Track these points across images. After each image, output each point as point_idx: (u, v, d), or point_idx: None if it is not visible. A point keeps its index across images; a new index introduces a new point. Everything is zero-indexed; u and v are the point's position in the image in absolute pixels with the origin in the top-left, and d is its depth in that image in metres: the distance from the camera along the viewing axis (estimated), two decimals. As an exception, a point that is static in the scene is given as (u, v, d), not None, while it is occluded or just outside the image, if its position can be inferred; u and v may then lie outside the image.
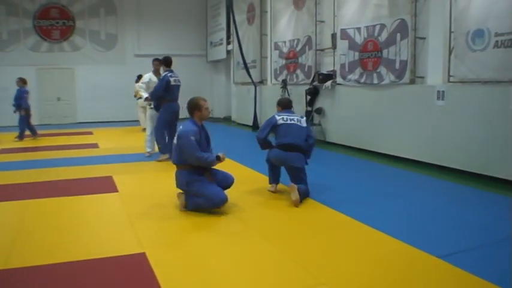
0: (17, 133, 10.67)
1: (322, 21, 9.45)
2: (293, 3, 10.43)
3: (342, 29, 8.54)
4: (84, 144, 9.84)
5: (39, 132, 11.19)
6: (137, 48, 16.07)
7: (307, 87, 9.69)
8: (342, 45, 8.55)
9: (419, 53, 6.90)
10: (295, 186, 4.65)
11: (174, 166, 4.64)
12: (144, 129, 9.10)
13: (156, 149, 7.70)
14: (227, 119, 15.34)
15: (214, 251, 3.52)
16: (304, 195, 4.75)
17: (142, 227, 4.04)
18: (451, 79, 6.33)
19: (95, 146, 9.65)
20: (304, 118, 5.23)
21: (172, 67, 7.54)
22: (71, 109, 15.74)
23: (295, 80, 10.46)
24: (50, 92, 15.42)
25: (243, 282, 2.92)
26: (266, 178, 5.37)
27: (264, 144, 5.13)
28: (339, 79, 8.76)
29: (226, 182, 4.66)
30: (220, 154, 4.54)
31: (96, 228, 4.16)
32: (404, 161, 7.10)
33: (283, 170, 5.18)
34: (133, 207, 4.70)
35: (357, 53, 8.16)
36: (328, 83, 8.97)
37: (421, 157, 6.83)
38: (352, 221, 4.16)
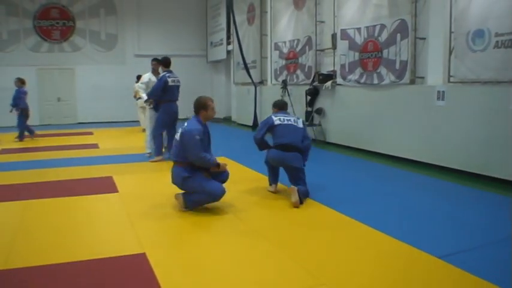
0: (17, 133, 10.68)
1: (322, 22, 9.45)
2: (293, 3, 10.44)
3: (342, 29, 8.54)
4: (84, 145, 9.84)
5: (39, 132, 11.20)
6: (137, 48, 16.07)
7: (307, 87, 9.69)
8: (342, 45, 8.55)
9: (420, 53, 6.90)
10: (295, 188, 4.65)
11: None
12: (144, 130, 9.11)
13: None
14: (227, 119, 15.34)
15: (214, 251, 3.52)
16: (304, 196, 4.76)
17: (143, 227, 4.05)
18: (451, 79, 6.33)
19: (95, 146, 9.65)
20: (301, 119, 5.25)
21: (173, 67, 7.54)
22: (71, 109, 15.74)
23: (295, 81, 10.46)
24: (50, 92, 15.42)
25: (243, 282, 2.92)
26: (266, 178, 5.38)
27: (261, 144, 5.13)
28: (339, 79, 8.76)
29: (221, 176, 4.68)
30: (221, 163, 4.57)
31: (97, 228, 4.17)
32: (404, 161, 7.10)
33: (282, 170, 5.18)
34: (134, 207, 4.70)
35: (357, 53, 8.16)
36: (328, 83, 8.97)
37: (421, 157, 6.83)
38: (352, 221, 4.16)
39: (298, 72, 10.33)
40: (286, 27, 10.87)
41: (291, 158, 4.88)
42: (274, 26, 11.53)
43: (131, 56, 15.94)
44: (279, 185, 5.30)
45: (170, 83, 7.23)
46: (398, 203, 4.80)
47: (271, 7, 11.78)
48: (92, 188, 5.58)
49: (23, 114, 10.55)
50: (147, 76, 7.89)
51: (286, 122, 5.03)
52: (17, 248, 3.57)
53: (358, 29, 8.08)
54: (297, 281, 2.93)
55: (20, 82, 10.70)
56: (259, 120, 11.61)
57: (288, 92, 10.36)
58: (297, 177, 4.87)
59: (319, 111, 9.46)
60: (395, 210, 4.54)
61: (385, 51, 7.46)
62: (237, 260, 3.32)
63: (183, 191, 4.56)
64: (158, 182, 5.79)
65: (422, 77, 6.91)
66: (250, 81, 12.55)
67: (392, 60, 7.31)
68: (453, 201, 4.90)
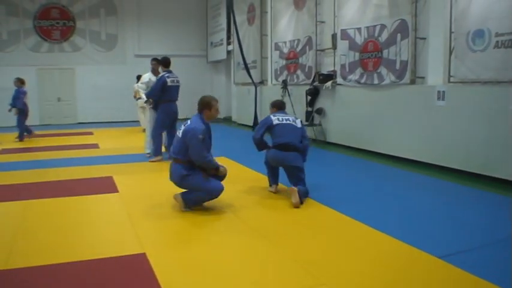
0: (17, 133, 10.68)
1: (323, 22, 9.45)
2: (293, 3, 10.44)
3: (342, 30, 8.54)
4: (84, 145, 9.85)
5: (39, 132, 11.19)
6: (137, 48, 16.08)
7: (307, 87, 9.69)
8: (342, 45, 8.55)
9: (420, 53, 6.90)
10: (296, 189, 4.64)
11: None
12: (144, 130, 9.11)
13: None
14: (227, 119, 15.35)
15: (214, 250, 3.52)
16: (304, 196, 4.76)
17: (143, 227, 4.05)
18: (452, 79, 6.33)
19: (95, 146, 9.65)
20: (299, 119, 5.25)
21: (173, 67, 7.54)
22: (71, 109, 15.74)
23: (295, 81, 10.46)
24: (50, 92, 15.43)
25: (243, 282, 2.92)
26: (266, 178, 5.38)
27: (260, 144, 5.13)
28: (339, 79, 8.76)
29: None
30: (221, 168, 4.57)
31: (97, 228, 4.17)
32: (405, 161, 7.10)
33: (282, 170, 5.18)
34: (134, 207, 4.70)
35: (357, 54, 8.16)
36: (329, 83, 8.97)
37: (421, 157, 6.83)
38: (352, 221, 4.16)
39: (299, 72, 10.33)
40: (286, 27, 10.88)
41: (290, 158, 4.88)
42: (275, 26, 11.53)
43: (131, 56, 15.95)
44: (279, 185, 5.30)
45: (169, 83, 7.22)
46: (398, 203, 4.81)
47: (271, 7, 11.78)
48: (92, 188, 5.59)
49: (21, 114, 10.54)
50: (147, 76, 7.89)
51: (285, 122, 5.03)
52: (17, 248, 3.57)
53: (359, 29, 8.08)
54: (297, 281, 2.93)
55: (20, 82, 10.70)
56: (260, 120, 11.60)
57: (288, 92, 10.36)
58: (296, 177, 4.87)
59: (320, 111, 9.46)
60: (395, 210, 4.54)
61: (385, 51, 7.46)
62: (237, 259, 3.32)
63: (181, 192, 4.56)
64: (158, 182, 5.79)
65: (423, 77, 6.91)
66: (250, 81, 12.55)
67: (392, 60, 7.31)
68: (453, 201, 4.90)
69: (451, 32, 6.30)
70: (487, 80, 5.77)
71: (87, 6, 15.60)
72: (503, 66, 5.49)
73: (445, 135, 6.35)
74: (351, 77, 8.37)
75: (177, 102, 7.54)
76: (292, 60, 10.63)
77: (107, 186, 5.70)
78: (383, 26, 7.47)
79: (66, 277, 3.02)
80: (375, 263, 3.19)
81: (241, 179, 5.93)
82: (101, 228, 4.17)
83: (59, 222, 4.24)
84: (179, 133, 4.56)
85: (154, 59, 7.86)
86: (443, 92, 6.33)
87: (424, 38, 6.81)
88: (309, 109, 9.66)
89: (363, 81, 8.06)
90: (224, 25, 15.00)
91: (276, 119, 5.05)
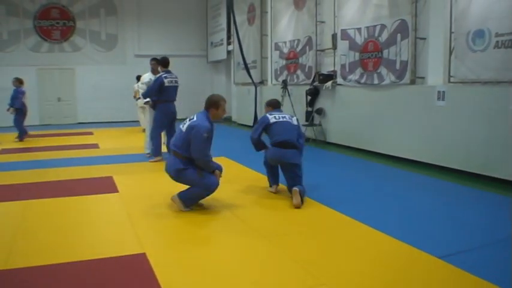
0: (17, 133, 10.68)
1: (323, 22, 9.46)
2: (293, 3, 10.44)
3: (342, 30, 8.54)
4: (84, 145, 9.84)
5: (38, 132, 11.19)
6: (137, 48, 16.08)
7: (307, 87, 9.69)
8: (343, 45, 8.55)
9: (420, 54, 6.90)
10: (297, 190, 4.63)
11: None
12: (144, 130, 9.11)
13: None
14: (228, 119, 15.34)
15: (214, 250, 3.53)
16: (303, 196, 4.75)
17: (143, 227, 4.05)
18: (452, 79, 6.33)
19: (95, 146, 9.65)
20: (295, 117, 5.26)
21: (173, 67, 7.54)
22: (71, 109, 15.75)
23: (295, 81, 10.46)
24: (50, 92, 15.43)
25: (243, 282, 2.92)
26: (266, 178, 5.37)
27: (258, 144, 5.13)
28: (339, 79, 8.76)
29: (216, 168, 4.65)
30: (217, 171, 4.56)
31: (97, 228, 4.17)
32: (405, 161, 7.10)
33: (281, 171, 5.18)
34: (134, 207, 4.70)
35: (357, 54, 8.16)
36: (329, 83, 8.97)
37: (421, 157, 6.83)
38: (352, 221, 4.16)
39: (299, 72, 10.33)
40: (286, 27, 10.88)
41: (289, 155, 4.88)
42: (275, 26, 11.53)
43: (131, 56, 15.95)
44: (279, 185, 5.30)
45: (167, 84, 7.20)
46: (398, 203, 4.81)
47: (271, 7, 11.78)
48: (92, 188, 5.59)
49: (19, 113, 10.53)
50: (147, 76, 7.90)
51: (281, 120, 5.04)
52: (17, 248, 3.57)
53: (359, 29, 8.08)
54: (297, 281, 2.93)
55: (18, 82, 10.69)
56: (259, 120, 11.61)
57: (288, 92, 10.36)
58: (294, 175, 4.86)
59: (320, 111, 9.46)
60: (395, 210, 4.54)
61: (385, 52, 7.46)
62: (237, 259, 3.32)
63: (177, 193, 4.54)
64: (158, 182, 5.79)
65: (423, 77, 6.91)
66: (250, 81, 12.56)
67: (392, 60, 7.31)
68: (453, 201, 4.90)
69: (451, 32, 6.30)
70: (487, 80, 5.77)
71: (87, 6, 15.60)
72: (504, 66, 5.49)
73: (445, 135, 6.35)
74: (351, 77, 8.37)
75: (177, 102, 7.53)
76: (292, 60, 10.63)
77: (107, 186, 5.70)
78: (383, 26, 7.47)
79: (66, 277, 3.02)
80: (375, 263, 3.19)
81: (241, 179, 5.93)
82: (101, 228, 4.17)
83: (59, 222, 4.24)
84: (183, 127, 4.48)
85: (154, 59, 7.86)
86: (443, 92, 6.33)
87: (424, 38, 6.81)
88: (309, 109, 9.66)
89: (363, 81, 8.06)
90: (224, 25, 15.01)
91: (272, 117, 5.05)
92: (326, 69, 9.43)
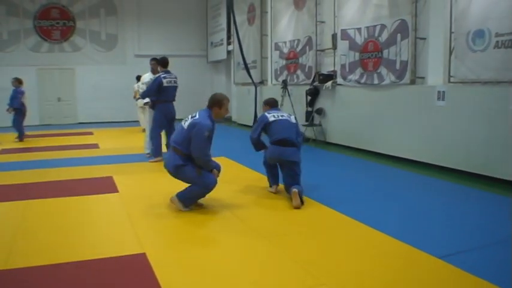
0: (17, 134, 10.68)
1: (323, 22, 9.45)
2: (293, 3, 10.44)
3: (342, 30, 8.54)
4: (84, 145, 9.85)
5: (38, 132, 11.18)
6: (137, 48, 16.08)
7: (307, 87, 9.69)
8: (343, 45, 8.55)
9: (420, 54, 6.90)
10: (296, 191, 4.62)
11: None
12: (144, 130, 9.11)
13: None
14: (228, 119, 15.34)
15: (214, 251, 3.53)
16: (302, 197, 4.74)
17: (143, 227, 4.05)
18: (452, 79, 6.33)
19: (95, 146, 9.65)
20: (293, 116, 5.26)
21: (173, 67, 7.53)
22: (72, 109, 15.75)
23: (295, 81, 10.46)
24: (50, 92, 15.44)
25: (243, 282, 2.92)
26: (266, 178, 5.37)
27: (258, 144, 5.13)
28: (339, 79, 8.76)
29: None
30: (216, 170, 4.56)
31: (97, 228, 4.17)
32: (404, 161, 7.10)
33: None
34: (134, 207, 4.70)
35: (357, 54, 8.16)
36: (329, 83, 8.97)
37: (421, 157, 6.83)
38: (352, 221, 4.16)
39: (299, 72, 10.33)
40: (286, 27, 10.88)
41: (289, 153, 4.88)
42: (275, 26, 11.53)
43: (131, 56, 15.95)
44: (279, 185, 5.29)
45: (165, 84, 7.19)
46: (398, 203, 4.81)
47: (271, 7, 11.78)
48: (92, 188, 5.59)
49: (18, 113, 10.53)
50: (148, 76, 7.90)
51: (280, 118, 5.04)
52: (17, 248, 3.57)
53: (359, 29, 8.08)
54: (297, 281, 2.93)
55: (17, 82, 10.68)
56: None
57: (288, 92, 10.36)
58: (293, 173, 4.86)
59: (320, 112, 9.46)
60: (395, 210, 4.54)
61: (385, 52, 7.46)
62: (237, 259, 3.32)
63: (176, 193, 4.54)
64: (158, 182, 5.79)
65: (423, 77, 6.91)
66: (250, 81, 12.56)
67: (392, 60, 7.31)
68: (453, 201, 4.90)
69: (451, 32, 6.30)
70: (487, 80, 5.77)
71: (87, 6, 15.60)
72: (504, 66, 5.49)
73: (445, 135, 6.35)
74: (351, 77, 8.37)
75: (178, 103, 7.52)
76: (292, 60, 10.63)
77: (107, 186, 5.70)
78: (383, 26, 7.47)
79: (66, 277, 3.02)
80: (374, 263, 3.19)
81: (241, 179, 5.93)
82: (101, 228, 4.17)
83: (59, 222, 4.24)
84: (184, 124, 4.46)
85: (154, 59, 7.86)
86: (443, 92, 6.33)
87: (424, 38, 6.81)
88: (309, 109, 9.66)
89: (363, 81, 8.06)
90: (224, 25, 15.01)
91: (271, 116, 5.05)
92: (326, 69, 9.43)
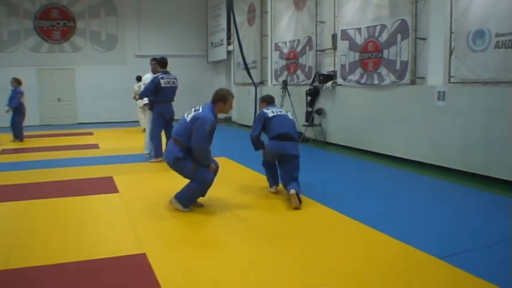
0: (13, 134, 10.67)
1: (323, 22, 9.46)
2: (293, 3, 10.44)
3: (342, 30, 8.54)
4: (84, 145, 9.85)
5: (38, 133, 11.17)
6: (137, 48, 16.08)
7: (307, 87, 9.69)
8: (343, 45, 8.55)
9: (420, 54, 6.90)
10: (294, 193, 4.61)
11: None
12: (144, 130, 9.11)
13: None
14: (228, 120, 15.35)
15: (214, 251, 3.53)
16: (299, 196, 4.72)
17: (143, 227, 4.05)
18: (452, 80, 6.33)
19: (95, 146, 9.66)
20: (289, 112, 5.32)
21: (173, 68, 7.53)
22: (72, 110, 15.75)
23: (295, 81, 10.46)
24: (50, 92, 15.43)
25: (243, 282, 2.92)
26: (265, 178, 5.37)
27: (257, 143, 5.12)
28: (339, 80, 8.76)
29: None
30: (213, 164, 4.56)
31: (97, 228, 4.17)
32: (405, 161, 7.10)
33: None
34: (134, 207, 4.70)
35: (357, 54, 8.16)
36: (329, 83, 8.98)
37: (421, 158, 6.83)
38: (352, 221, 4.16)
39: (299, 72, 10.34)
40: (286, 27, 10.88)
41: (289, 147, 4.89)
42: (275, 26, 11.54)
43: (131, 57, 15.95)
44: (279, 185, 5.29)
45: (163, 84, 7.18)
46: (398, 203, 4.80)
47: (271, 7, 11.78)
48: (92, 188, 5.59)
49: (17, 114, 10.52)
50: (149, 77, 7.89)
51: (279, 113, 5.06)
52: (17, 248, 3.57)
53: (359, 30, 8.08)
54: (297, 281, 2.93)
55: (16, 82, 10.67)
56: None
57: (288, 92, 10.37)
58: (293, 167, 4.86)
59: (320, 112, 9.46)
60: (395, 210, 4.54)
61: (385, 52, 7.46)
62: (237, 259, 3.32)
63: (174, 194, 4.54)
64: (158, 183, 5.79)
65: (423, 78, 6.91)
66: (250, 81, 12.56)
67: (392, 60, 7.31)
68: (453, 201, 4.90)
69: (451, 32, 6.30)
70: (487, 80, 5.77)
71: (87, 6, 15.61)
72: (504, 66, 5.49)
73: (444, 135, 6.35)
74: (351, 77, 8.37)
75: (177, 103, 7.52)
76: (292, 60, 10.64)
77: (107, 186, 5.70)
78: (383, 26, 7.47)
79: (67, 277, 3.02)
80: (374, 263, 3.19)
81: (241, 179, 5.93)
82: (101, 228, 4.17)
83: (59, 222, 4.25)
84: (187, 117, 4.46)
85: (154, 59, 7.86)
86: (444, 92, 6.33)
87: (424, 38, 6.81)
88: (309, 109, 9.66)
89: (363, 81, 8.06)
90: (224, 25, 15.01)
91: (270, 112, 5.07)
92: (326, 70, 9.43)
